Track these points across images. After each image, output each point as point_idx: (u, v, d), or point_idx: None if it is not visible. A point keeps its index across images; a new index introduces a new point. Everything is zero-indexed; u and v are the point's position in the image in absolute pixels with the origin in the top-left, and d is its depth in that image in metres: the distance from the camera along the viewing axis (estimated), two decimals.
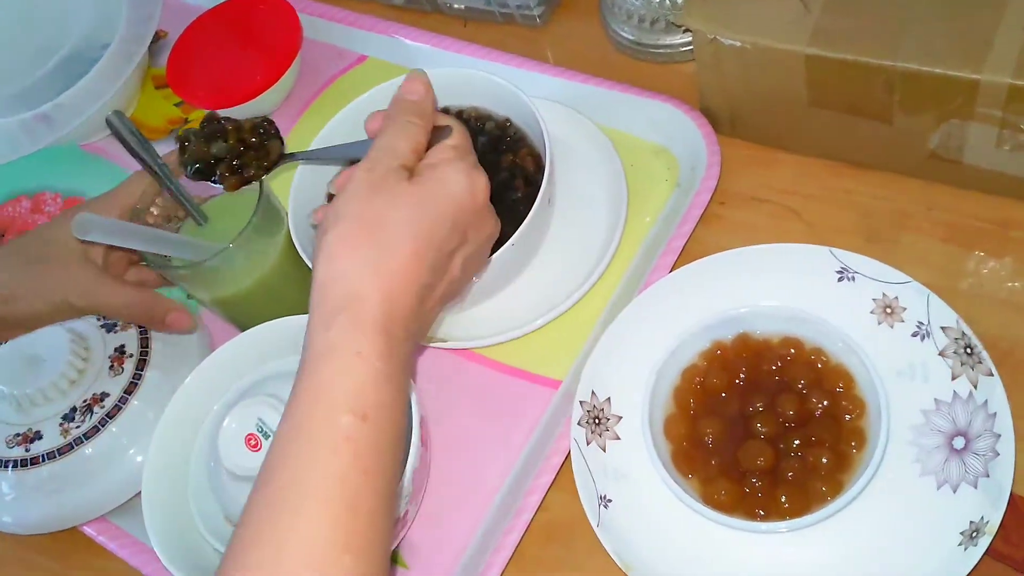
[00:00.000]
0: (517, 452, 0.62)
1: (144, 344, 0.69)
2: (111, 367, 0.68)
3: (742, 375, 0.58)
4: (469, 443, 0.63)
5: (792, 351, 0.58)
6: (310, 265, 0.62)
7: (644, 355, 0.60)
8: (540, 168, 0.66)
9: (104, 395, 0.66)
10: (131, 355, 0.68)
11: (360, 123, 0.70)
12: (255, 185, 0.64)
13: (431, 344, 0.65)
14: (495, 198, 0.65)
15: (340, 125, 0.70)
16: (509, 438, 0.63)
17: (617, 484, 0.58)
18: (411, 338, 0.46)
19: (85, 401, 0.66)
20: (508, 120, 0.69)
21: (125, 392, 0.67)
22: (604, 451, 0.59)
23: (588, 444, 0.59)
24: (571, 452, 0.59)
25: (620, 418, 0.60)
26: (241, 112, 0.82)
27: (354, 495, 0.42)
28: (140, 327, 0.70)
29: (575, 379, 0.63)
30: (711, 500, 0.54)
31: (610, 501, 0.58)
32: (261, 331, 0.63)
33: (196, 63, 0.85)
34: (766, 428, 0.55)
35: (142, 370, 0.68)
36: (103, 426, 0.66)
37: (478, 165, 0.51)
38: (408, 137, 0.50)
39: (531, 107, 0.65)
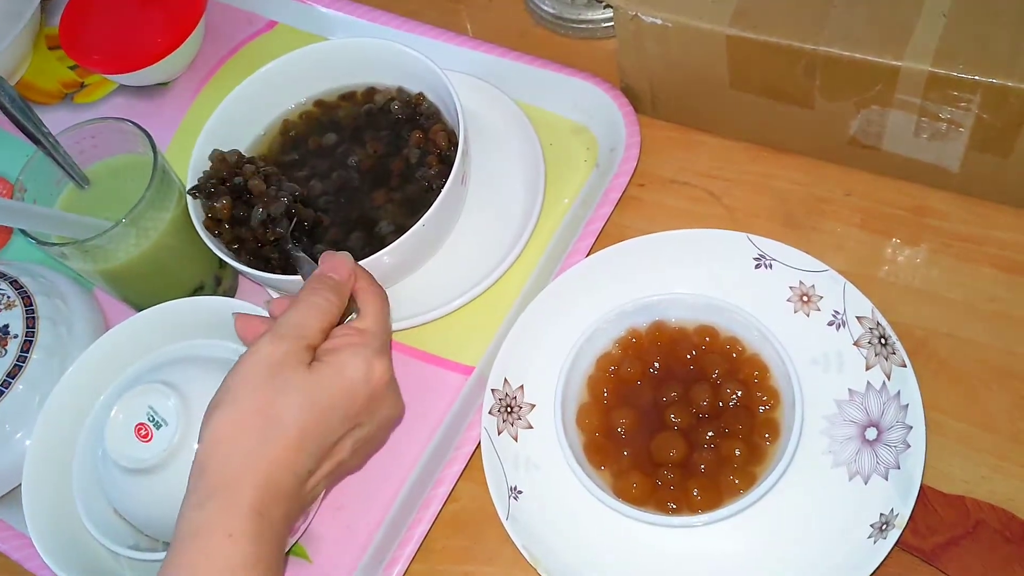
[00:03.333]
0: (426, 441, 0.60)
1: (30, 324, 0.65)
2: None
3: (656, 364, 0.56)
4: None
5: (707, 339, 0.57)
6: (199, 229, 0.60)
7: (559, 342, 0.59)
8: (454, 145, 0.63)
9: None
10: (15, 336, 0.64)
11: (266, 93, 0.67)
12: (146, 153, 0.60)
13: None
14: (406, 176, 0.63)
15: (244, 94, 0.66)
16: (419, 426, 0.60)
17: (528, 475, 0.57)
18: (287, 519, 0.47)
19: None
20: (422, 94, 0.66)
21: (8, 376, 0.63)
22: (516, 440, 0.58)
23: (499, 434, 0.57)
24: (481, 442, 0.57)
25: (533, 406, 0.59)
26: (138, 78, 0.78)
27: None
28: (26, 305, 0.65)
29: (488, 365, 0.61)
30: (623, 493, 0.53)
31: (520, 492, 0.56)
32: (154, 313, 0.59)
33: (92, 23, 0.79)
34: (679, 419, 0.54)
35: (27, 352, 0.64)
36: None
37: (384, 349, 0.51)
38: (320, 317, 0.49)
39: (445, 81, 0.63)
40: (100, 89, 0.81)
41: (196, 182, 0.61)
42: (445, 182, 0.61)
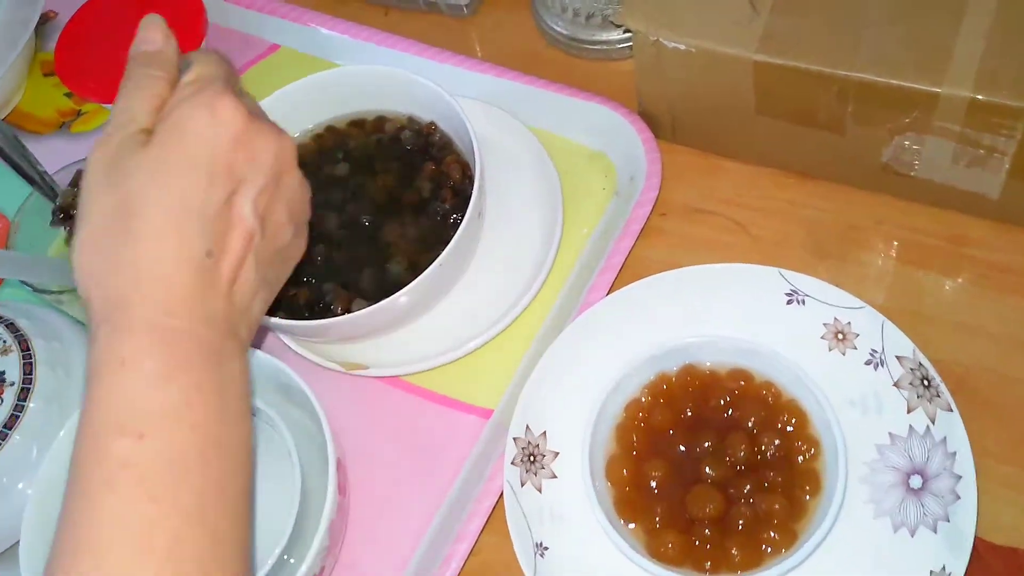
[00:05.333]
0: (445, 492, 0.57)
1: (28, 370, 0.62)
2: None
3: (689, 411, 0.54)
4: (392, 482, 0.58)
5: (742, 383, 0.54)
6: None
7: (582, 385, 0.56)
8: (468, 177, 0.61)
9: None
10: (11, 383, 0.61)
11: (277, 120, 0.64)
12: None
13: (350, 372, 0.60)
14: (419, 209, 0.61)
15: None
16: (436, 476, 0.57)
17: (555, 527, 0.54)
18: (210, 320, 0.39)
19: None
20: (433, 124, 0.63)
21: (4, 426, 0.60)
22: (540, 491, 0.55)
23: (523, 486, 0.54)
24: (504, 496, 0.54)
25: (557, 454, 0.56)
26: None
27: (148, 532, 0.35)
28: (23, 349, 0.62)
29: (507, 408, 0.58)
30: (658, 553, 0.50)
31: (546, 549, 0.53)
32: None
33: (88, 49, 0.77)
34: (715, 471, 0.51)
35: (25, 400, 0.61)
36: None
37: (226, 90, 0.41)
38: (145, 95, 0.41)
39: (458, 110, 0.60)
40: (98, 117, 0.78)
41: None
42: (460, 216, 0.59)
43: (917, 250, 0.59)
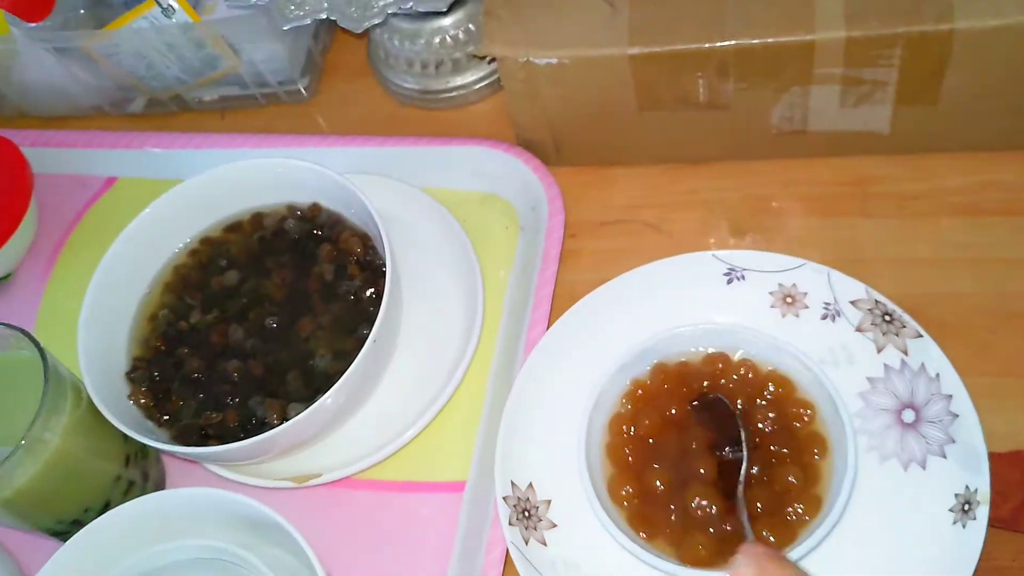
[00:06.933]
0: None
1: None
2: None
3: (673, 409, 0.51)
4: None
5: (719, 366, 0.52)
6: (119, 425, 0.51)
7: (554, 424, 0.52)
8: (369, 247, 0.57)
9: None
10: None
11: (143, 247, 0.59)
12: (23, 353, 0.51)
13: (303, 485, 0.54)
14: (326, 295, 0.56)
15: (119, 254, 0.58)
16: (429, 566, 0.52)
17: None
18: None
19: None
20: (316, 204, 0.59)
21: None
22: (545, 544, 0.51)
23: (527, 544, 0.50)
24: (512, 558, 0.49)
25: (550, 502, 0.52)
26: None
27: None
28: None
29: (481, 473, 0.54)
30: (690, 558, 0.47)
31: None
32: (108, 524, 0.49)
33: None
34: (717, 462, 0.49)
35: None
36: None
37: None
38: None
39: (341, 182, 0.56)
40: None
41: (131, 366, 0.55)
42: (374, 290, 0.55)
43: (829, 201, 0.60)
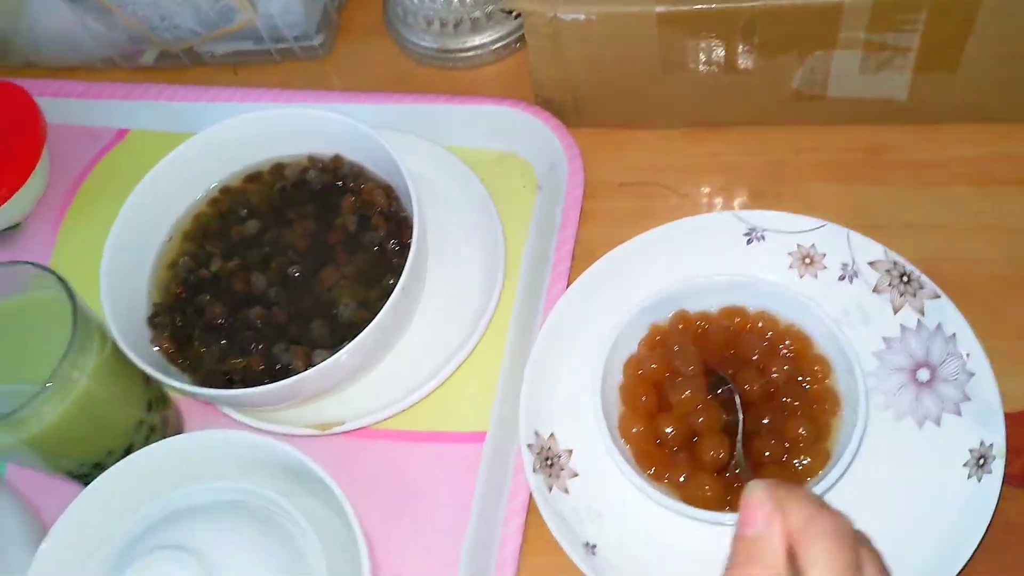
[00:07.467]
0: (463, 527, 0.52)
1: None
2: None
3: (689, 360, 0.52)
4: (408, 534, 0.53)
5: (736, 320, 0.53)
6: (146, 368, 0.51)
7: (577, 376, 0.53)
8: (393, 199, 0.57)
9: None
10: None
11: (165, 194, 0.58)
12: (41, 292, 0.51)
13: (325, 433, 0.55)
14: (350, 246, 0.56)
15: (133, 215, 0.57)
16: (451, 514, 0.53)
17: (594, 526, 0.50)
18: None
19: None
20: (338, 156, 0.59)
21: None
22: (567, 493, 0.51)
23: (550, 491, 0.51)
24: (537, 504, 0.50)
25: (571, 452, 0.53)
26: None
27: None
28: None
29: (501, 425, 0.55)
30: (695, 499, 0.48)
31: (595, 547, 0.50)
32: (127, 467, 0.49)
33: None
34: (729, 411, 0.50)
35: None
36: None
37: None
38: None
39: (366, 133, 0.57)
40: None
41: (153, 311, 0.55)
42: (398, 241, 0.55)
43: (844, 168, 0.61)
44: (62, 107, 0.72)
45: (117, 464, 0.49)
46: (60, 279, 0.50)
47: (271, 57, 0.73)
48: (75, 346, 0.48)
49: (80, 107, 0.72)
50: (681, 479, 0.50)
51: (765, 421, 0.50)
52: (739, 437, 0.49)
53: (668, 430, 0.50)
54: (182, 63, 0.74)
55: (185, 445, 0.49)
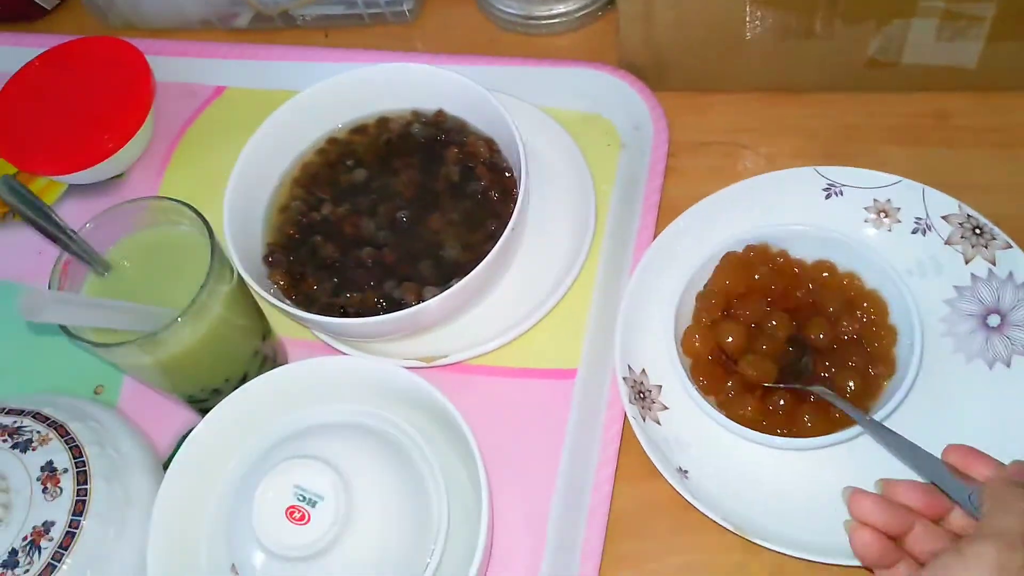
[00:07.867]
0: (558, 454, 0.56)
1: (77, 453, 0.57)
2: (44, 490, 0.55)
3: (771, 287, 0.56)
4: (504, 462, 0.57)
5: (825, 274, 0.56)
6: (269, 298, 0.55)
7: (663, 319, 0.57)
8: (495, 151, 0.61)
9: (48, 524, 0.54)
10: (65, 470, 0.56)
11: (277, 142, 0.62)
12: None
13: (431, 365, 0.58)
14: (455, 194, 0.60)
15: (249, 162, 0.61)
16: (548, 441, 0.57)
17: (684, 455, 0.54)
18: None
19: (25, 539, 0.53)
20: (441, 111, 0.63)
21: (73, 514, 0.54)
22: (659, 424, 0.55)
23: (644, 421, 0.55)
24: (634, 430, 0.54)
25: (660, 387, 0.56)
26: (91, 175, 0.71)
27: None
28: (62, 435, 0.57)
29: (590, 364, 0.59)
30: (735, 416, 0.52)
31: (687, 472, 0.53)
32: (260, 385, 0.53)
33: (27, 122, 0.72)
34: (795, 347, 0.54)
35: (85, 483, 0.56)
36: (58, 562, 0.53)
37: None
38: None
39: (469, 85, 0.60)
40: (49, 192, 0.73)
41: (267, 250, 0.60)
42: (500, 189, 0.59)
43: (913, 132, 0.64)
44: (164, 65, 0.76)
45: (248, 383, 0.54)
46: (199, 215, 0.54)
47: (361, 20, 0.77)
48: (213, 275, 0.52)
49: (181, 65, 0.76)
50: (729, 396, 0.54)
51: (824, 364, 0.54)
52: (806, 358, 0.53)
53: (729, 338, 0.54)
54: (275, 25, 0.78)
55: (314, 368, 0.53)
